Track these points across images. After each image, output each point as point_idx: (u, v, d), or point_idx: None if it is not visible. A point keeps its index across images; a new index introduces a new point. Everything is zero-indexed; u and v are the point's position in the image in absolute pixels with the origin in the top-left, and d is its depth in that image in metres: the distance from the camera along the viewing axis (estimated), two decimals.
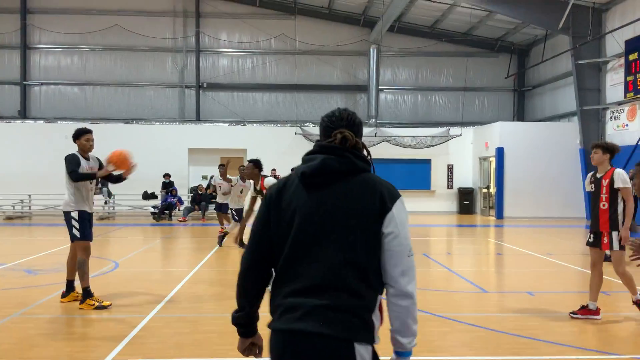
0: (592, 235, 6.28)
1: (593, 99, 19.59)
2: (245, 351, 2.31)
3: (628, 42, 17.49)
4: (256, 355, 2.30)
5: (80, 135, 6.58)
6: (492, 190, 21.98)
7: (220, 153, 22.56)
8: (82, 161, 6.50)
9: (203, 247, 12.00)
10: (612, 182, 6.03)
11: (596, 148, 6.18)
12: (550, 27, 19.71)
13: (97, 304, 6.46)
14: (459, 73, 25.36)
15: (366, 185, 2.08)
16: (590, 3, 18.55)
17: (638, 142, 17.41)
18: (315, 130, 23.47)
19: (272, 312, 2.11)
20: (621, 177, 6.03)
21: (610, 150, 6.13)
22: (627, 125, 18.36)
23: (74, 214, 6.47)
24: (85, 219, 6.53)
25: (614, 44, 18.44)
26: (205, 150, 22.73)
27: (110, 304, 6.54)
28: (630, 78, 17.50)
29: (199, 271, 9.15)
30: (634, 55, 17.21)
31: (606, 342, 5.43)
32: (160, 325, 5.85)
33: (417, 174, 23.40)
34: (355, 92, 25.34)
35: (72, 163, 6.38)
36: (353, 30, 24.89)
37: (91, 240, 6.70)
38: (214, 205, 15.40)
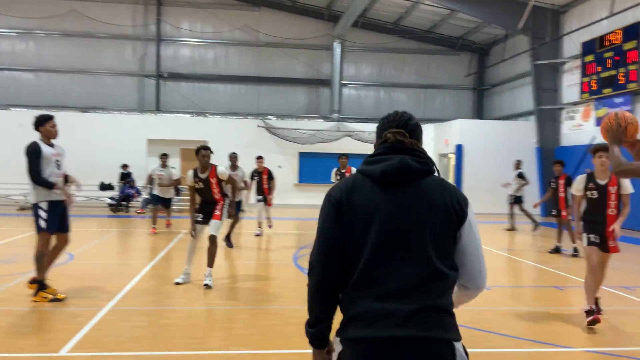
0: (597, 237, 5.87)
1: (550, 99, 20.12)
2: None
3: (585, 44, 18.01)
4: None
5: (44, 121, 6.32)
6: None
7: (180, 144, 22.25)
8: (46, 148, 6.24)
9: (161, 239, 11.81)
10: (619, 188, 5.88)
11: (605, 152, 5.77)
12: (510, 28, 20.12)
13: (51, 296, 6.28)
14: (421, 70, 25.66)
15: (442, 187, 2.06)
16: (549, 5, 19.03)
17: (591, 142, 17.97)
18: (277, 123, 23.40)
19: (352, 319, 1.96)
20: (627, 183, 5.93)
21: None
22: (581, 125, 18.93)
23: (43, 205, 6.23)
24: (55, 209, 6.29)
25: (571, 45, 18.97)
26: (164, 141, 22.33)
27: (65, 297, 6.37)
28: (585, 79, 18.04)
29: (157, 264, 9.01)
30: (590, 57, 17.73)
31: (559, 335, 5.59)
32: (116, 318, 5.73)
33: None
34: (318, 86, 25.33)
35: (34, 159, 6.10)
36: (317, 24, 24.87)
37: (65, 231, 6.47)
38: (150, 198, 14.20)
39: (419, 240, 1.96)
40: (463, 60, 25.87)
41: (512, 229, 15.30)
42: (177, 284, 7.28)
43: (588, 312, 5.74)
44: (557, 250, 11.18)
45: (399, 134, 2.09)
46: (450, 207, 2.02)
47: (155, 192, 13.20)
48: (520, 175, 15.32)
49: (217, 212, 7.52)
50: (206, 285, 7.15)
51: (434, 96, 26.06)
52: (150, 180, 13.40)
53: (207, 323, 5.76)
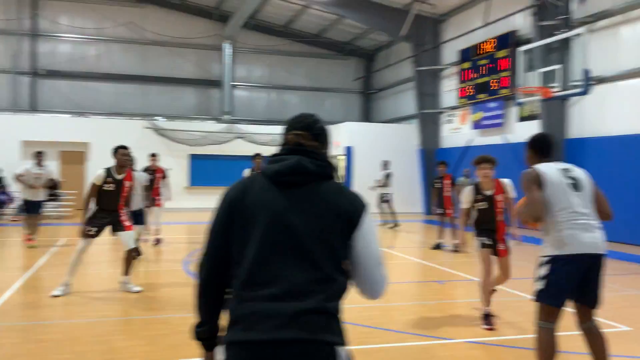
0: (489, 239, 5.98)
1: (431, 103, 21.23)
2: None
3: (462, 52, 19.20)
4: None
5: None
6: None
7: (59, 147, 20.90)
8: None
9: (37, 249, 11.01)
10: (504, 194, 6.04)
11: (487, 163, 5.98)
12: (394, 35, 20.98)
13: None
14: (311, 73, 26.06)
15: (340, 191, 2.03)
16: (430, 14, 20.06)
17: (468, 144, 19.19)
18: (166, 124, 22.70)
19: (235, 322, 1.90)
20: (510, 188, 6.09)
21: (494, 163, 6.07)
22: (459, 128, 20.16)
23: None
24: None
25: (450, 53, 20.14)
26: (41, 143, 20.81)
27: None
28: (462, 85, 19.24)
29: (33, 276, 8.40)
30: (467, 65, 18.93)
31: (441, 327, 5.90)
32: None
33: None
34: (208, 87, 24.91)
35: None
36: (206, 24, 24.44)
37: None
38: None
39: (308, 243, 1.92)
40: (351, 65, 26.61)
41: (395, 225, 15.96)
42: (55, 296, 6.83)
43: (485, 317, 5.86)
44: (438, 247, 11.80)
45: (300, 136, 2.07)
46: (345, 212, 1.97)
47: (25, 195, 11.54)
48: (388, 176, 16.15)
49: (127, 223, 7.16)
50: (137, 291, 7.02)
51: (324, 99, 26.55)
52: (21, 181, 11.43)
53: (88, 336, 5.44)
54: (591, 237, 3.81)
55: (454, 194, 11.73)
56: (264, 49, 25.34)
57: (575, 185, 3.92)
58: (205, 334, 2.08)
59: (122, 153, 7.23)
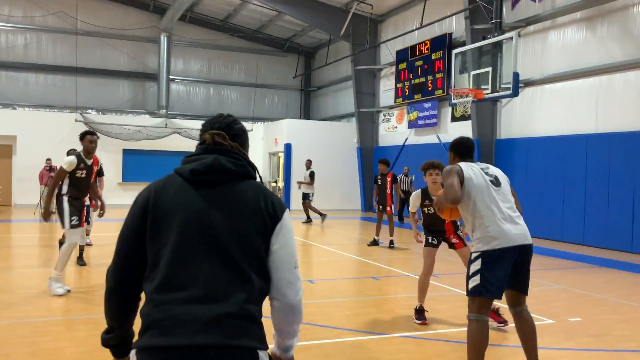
0: (434, 239, 6.17)
1: (369, 102, 21.54)
2: None
3: (399, 53, 19.58)
4: None
5: None
6: (281, 184, 22.89)
7: None
8: None
9: None
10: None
11: (434, 169, 6.09)
12: (333, 33, 21.14)
13: None
14: (251, 69, 25.87)
15: (258, 190, 1.97)
16: (368, 14, 20.32)
17: (404, 142, 19.59)
18: (98, 117, 21.97)
19: (149, 327, 1.79)
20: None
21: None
22: (396, 127, 20.56)
23: None
24: None
25: (387, 53, 20.49)
26: None
27: None
28: (399, 85, 19.62)
29: None
30: (403, 65, 19.32)
31: (375, 323, 6.01)
32: None
33: None
34: (144, 80, 24.27)
35: None
36: (142, 15, 23.80)
37: None
38: None
39: (227, 243, 1.85)
40: (291, 62, 26.60)
41: (322, 215, 16.29)
42: (59, 295, 6.69)
43: (418, 311, 6.00)
44: (375, 243, 12.00)
45: (218, 135, 2.00)
46: (264, 211, 1.93)
47: None
48: (312, 175, 16.46)
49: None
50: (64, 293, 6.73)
51: (263, 95, 26.43)
52: None
53: (12, 338, 5.21)
54: (518, 229, 4.02)
55: (393, 191, 11.96)
56: (203, 43, 24.94)
57: (495, 182, 4.12)
58: (114, 341, 2.02)
59: (89, 139, 7.10)
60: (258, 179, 2.05)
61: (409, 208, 6.43)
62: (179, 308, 1.77)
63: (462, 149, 4.36)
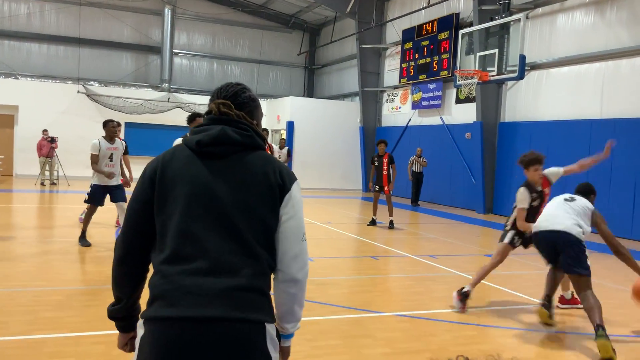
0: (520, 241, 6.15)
1: (373, 81, 21.40)
2: (125, 347, 2.05)
3: (405, 32, 19.38)
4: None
5: None
6: (283, 161, 22.87)
7: None
8: None
9: None
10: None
11: (539, 164, 5.98)
12: (339, 10, 20.91)
13: None
14: (255, 45, 25.66)
15: (266, 161, 1.93)
16: None
17: (407, 123, 19.52)
18: (101, 90, 21.88)
19: (156, 298, 1.78)
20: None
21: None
22: (400, 107, 20.45)
23: None
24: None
25: (393, 32, 20.30)
26: None
27: None
28: (404, 65, 19.46)
29: None
30: (409, 45, 19.14)
31: (372, 301, 6.05)
32: None
33: None
34: (147, 53, 24.09)
35: None
36: None
37: None
38: None
39: (234, 215, 1.82)
40: (295, 39, 26.37)
41: None
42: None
43: (463, 294, 5.80)
44: (373, 223, 12.01)
45: (224, 105, 1.95)
46: (272, 182, 1.89)
47: None
48: (289, 153, 16.49)
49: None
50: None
51: (267, 72, 26.26)
52: None
53: (11, 306, 5.25)
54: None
55: (391, 171, 11.92)
56: (207, 17, 24.70)
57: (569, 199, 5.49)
58: (120, 313, 2.01)
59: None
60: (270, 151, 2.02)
61: (520, 205, 5.89)
62: (187, 279, 1.76)
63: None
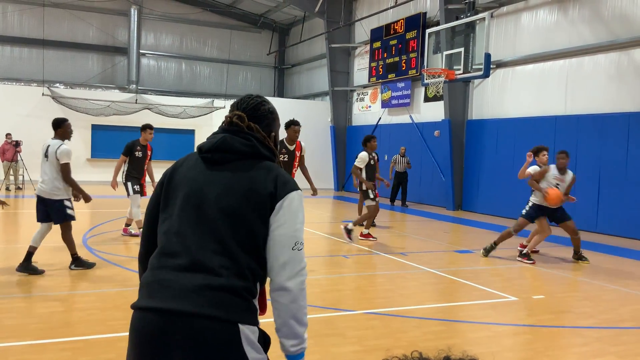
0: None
1: (343, 81, 21.46)
2: None
3: (373, 31, 19.49)
4: None
5: None
6: None
7: None
8: None
9: None
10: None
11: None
12: (308, 10, 20.92)
13: None
14: (224, 45, 25.49)
15: (265, 170, 1.98)
16: None
17: (377, 122, 19.64)
18: (66, 92, 21.47)
19: (141, 288, 1.94)
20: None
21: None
22: (370, 106, 20.56)
23: None
24: None
25: (362, 31, 20.39)
26: None
27: None
28: (373, 64, 19.57)
29: None
30: (377, 44, 19.26)
31: (342, 300, 6.06)
32: None
33: (180, 144, 22.97)
34: (113, 54, 23.73)
35: None
36: None
37: None
38: None
39: (216, 219, 1.90)
40: (265, 39, 26.28)
41: None
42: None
43: (527, 255, 8.44)
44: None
45: (237, 116, 2.05)
46: (264, 191, 1.92)
47: None
48: None
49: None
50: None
51: (236, 72, 26.11)
52: None
53: None
54: None
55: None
56: (174, 17, 24.44)
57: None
58: None
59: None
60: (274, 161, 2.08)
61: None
62: (166, 274, 1.88)
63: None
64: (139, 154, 9.35)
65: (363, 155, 9.88)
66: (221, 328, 1.79)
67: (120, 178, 9.43)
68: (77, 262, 6.91)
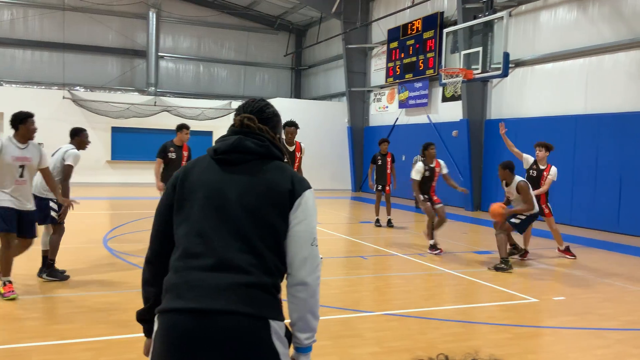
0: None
1: (359, 81, 21.43)
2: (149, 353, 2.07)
3: (390, 31, 19.43)
4: None
5: None
6: None
7: None
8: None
9: None
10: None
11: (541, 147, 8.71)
12: (325, 11, 20.92)
13: None
14: (241, 47, 25.61)
15: (279, 169, 2.05)
16: None
17: (395, 122, 19.58)
18: (86, 95, 21.74)
19: (167, 291, 1.92)
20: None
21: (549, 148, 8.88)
22: (387, 107, 20.50)
23: None
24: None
25: (379, 31, 20.34)
26: None
27: None
28: (390, 64, 19.52)
29: None
30: (395, 44, 19.20)
31: (361, 301, 6.05)
32: None
33: (199, 146, 23.05)
34: (133, 57, 23.98)
35: None
36: None
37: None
38: None
39: (239, 218, 1.94)
40: (281, 40, 26.35)
41: None
42: None
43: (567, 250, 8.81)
44: (378, 223, 11.97)
45: (247, 118, 2.10)
46: (283, 188, 1.99)
47: None
48: None
49: None
50: None
51: (253, 74, 26.21)
52: None
53: None
54: None
55: (394, 171, 11.93)
56: (192, 20, 24.62)
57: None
58: (146, 315, 2.09)
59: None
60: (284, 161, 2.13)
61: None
62: (194, 274, 1.88)
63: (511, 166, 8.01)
64: (172, 155, 9.01)
65: (419, 167, 9.15)
66: (254, 325, 1.84)
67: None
68: (51, 272, 6.49)
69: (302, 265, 1.96)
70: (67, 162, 6.50)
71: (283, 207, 1.98)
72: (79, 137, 6.80)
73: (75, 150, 6.63)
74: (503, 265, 7.62)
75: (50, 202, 6.44)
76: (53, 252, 6.52)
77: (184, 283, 1.88)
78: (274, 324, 1.87)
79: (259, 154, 2.05)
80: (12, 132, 6.21)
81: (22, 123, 6.10)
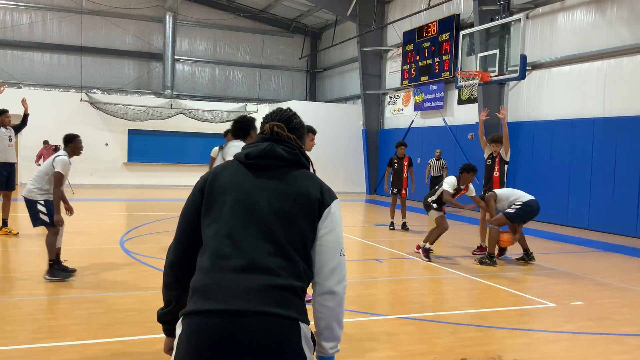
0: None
1: (375, 84, 21.40)
2: (170, 350, 2.06)
3: (406, 34, 19.39)
4: None
5: None
6: None
7: None
8: None
9: None
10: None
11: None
12: (340, 13, 20.94)
13: None
14: (256, 50, 25.72)
15: (309, 178, 2.08)
16: None
17: (410, 125, 19.52)
18: (103, 97, 21.97)
19: (194, 293, 1.91)
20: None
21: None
22: (402, 109, 20.45)
23: None
24: None
25: (394, 34, 20.31)
26: None
27: None
28: (406, 67, 19.47)
29: None
30: (410, 46, 19.15)
31: (376, 304, 6.02)
32: None
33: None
34: (149, 60, 24.19)
35: None
36: None
37: None
38: None
39: (270, 222, 1.95)
40: (297, 43, 26.41)
41: None
42: None
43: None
44: (393, 226, 11.93)
45: (278, 126, 2.13)
46: (313, 196, 2.01)
47: None
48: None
49: None
50: None
51: (269, 76, 26.30)
52: None
53: (18, 315, 5.27)
54: None
55: (410, 174, 11.87)
56: (208, 23, 24.78)
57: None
58: (169, 316, 2.11)
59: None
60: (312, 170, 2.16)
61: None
62: (224, 275, 1.88)
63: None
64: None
65: (452, 181, 8.78)
66: (285, 326, 1.84)
67: None
68: (52, 272, 6.52)
69: (330, 275, 1.99)
70: (56, 170, 6.44)
71: (312, 215, 2.00)
72: (72, 144, 6.69)
73: (65, 158, 6.54)
74: (487, 260, 8.21)
75: (37, 204, 6.46)
76: (50, 252, 6.53)
77: (214, 284, 1.87)
78: (304, 327, 1.89)
79: (289, 161, 2.08)
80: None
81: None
